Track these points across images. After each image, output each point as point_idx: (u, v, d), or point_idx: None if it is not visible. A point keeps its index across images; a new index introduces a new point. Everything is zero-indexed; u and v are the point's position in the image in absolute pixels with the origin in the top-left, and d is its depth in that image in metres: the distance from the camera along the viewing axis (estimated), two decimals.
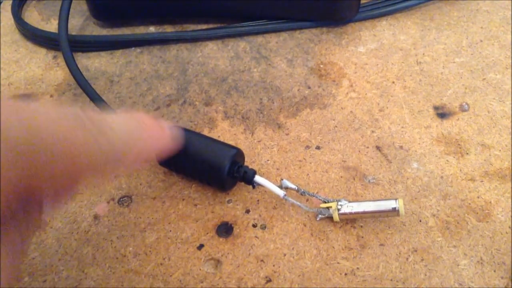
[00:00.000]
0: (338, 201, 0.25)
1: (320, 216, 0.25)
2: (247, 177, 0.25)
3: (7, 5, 0.40)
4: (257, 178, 0.25)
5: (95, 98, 0.30)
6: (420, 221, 0.25)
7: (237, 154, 0.25)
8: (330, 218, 0.25)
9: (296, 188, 0.25)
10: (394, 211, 0.23)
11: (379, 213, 0.24)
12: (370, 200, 0.25)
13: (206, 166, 0.25)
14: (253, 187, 0.25)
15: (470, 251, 0.24)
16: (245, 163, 0.27)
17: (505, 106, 0.30)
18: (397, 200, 0.23)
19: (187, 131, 0.27)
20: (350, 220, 0.25)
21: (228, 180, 0.25)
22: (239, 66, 0.34)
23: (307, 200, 0.26)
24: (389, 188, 0.26)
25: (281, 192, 0.25)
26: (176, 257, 0.24)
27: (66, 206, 0.27)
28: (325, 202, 0.25)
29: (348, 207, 0.24)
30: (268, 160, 0.28)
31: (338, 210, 0.24)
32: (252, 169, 0.25)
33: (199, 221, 0.26)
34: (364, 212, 0.24)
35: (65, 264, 0.24)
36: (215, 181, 0.25)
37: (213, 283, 0.23)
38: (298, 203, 0.25)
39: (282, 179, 0.25)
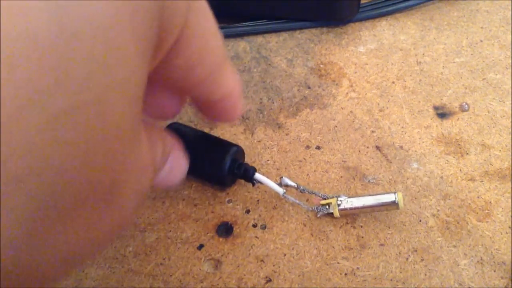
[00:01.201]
0: (337, 197, 0.25)
1: (320, 213, 0.25)
2: (247, 175, 0.25)
3: None
4: (257, 176, 0.25)
5: None
6: (420, 221, 0.25)
7: (238, 152, 0.26)
8: (330, 218, 0.25)
9: (296, 186, 0.25)
10: (394, 204, 0.24)
11: (379, 207, 0.24)
12: (369, 195, 0.25)
13: (207, 163, 0.25)
14: (253, 184, 0.26)
15: (470, 251, 0.24)
16: (249, 165, 0.27)
17: (505, 106, 0.30)
18: (396, 193, 0.24)
19: (187, 128, 0.27)
20: (350, 216, 0.25)
21: (228, 178, 0.25)
22: (239, 66, 0.34)
23: (307, 200, 0.26)
24: (389, 188, 0.26)
25: (280, 190, 0.25)
26: (176, 257, 0.24)
27: None
28: (325, 199, 0.25)
29: (348, 202, 0.24)
30: (268, 160, 0.28)
31: (338, 205, 0.24)
32: (252, 167, 0.25)
33: (199, 221, 0.26)
34: (363, 207, 0.24)
35: None
36: (215, 178, 0.25)
37: (213, 283, 0.23)
38: (298, 201, 0.25)
39: (281, 177, 0.25)
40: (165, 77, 0.17)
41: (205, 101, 0.20)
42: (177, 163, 0.20)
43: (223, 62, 0.18)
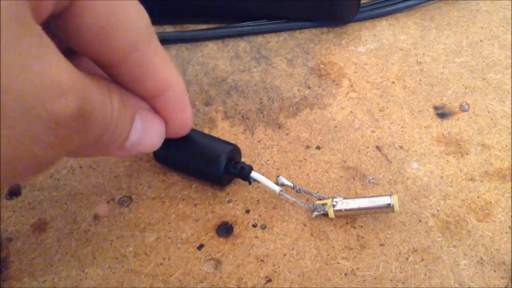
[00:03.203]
0: (333, 198, 0.25)
1: (315, 213, 0.25)
2: (244, 173, 0.25)
3: None
4: (254, 174, 0.25)
5: None
6: (420, 221, 0.25)
7: (234, 151, 0.26)
8: (330, 218, 0.25)
9: (292, 185, 0.25)
10: (389, 207, 0.23)
11: (374, 209, 0.24)
12: (365, 197, 0.25)
13: (203, 162, 0.25)
14: (250, 183, 0.26)
15: (470, 251, 0.24)
16: (245, 163, 0.27)
17: (505, 106, 0.30)
18: (391, 196, 0.23)
19: None
20: (346, 217, 0.25)
21: (225, 176, 0.25)
22: (239, 66, 0.34)
23: (308, 200, 0.26)
24: (389, 188, 0.26)
25: (276, 188, 0.25)
26: (176, 257, 0.24)
27: (66, 206, 0.27)
28: (320, 200, 0.25)
29: (343, 204, 0.24)
30: (268, 160, 0.28)
31: (333, 206, 0.24)
32: (248, 165, 0.25)
33: (199, 221, 0.26)
34: (359, 209, 0.24)
35: (65, 264, 0.24)
36: (211, 177, 0.25)
37: (213, 283, 0.23)
38: (294, 199, 0.25)
39: (278, 176, 0.25)
40: (82, 44, 0.15)
41: (144, 93, 0.18)
42: (149, 123, 0.19)
43: (149, 37, 0.16)
